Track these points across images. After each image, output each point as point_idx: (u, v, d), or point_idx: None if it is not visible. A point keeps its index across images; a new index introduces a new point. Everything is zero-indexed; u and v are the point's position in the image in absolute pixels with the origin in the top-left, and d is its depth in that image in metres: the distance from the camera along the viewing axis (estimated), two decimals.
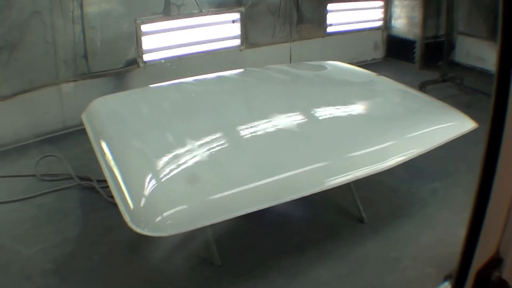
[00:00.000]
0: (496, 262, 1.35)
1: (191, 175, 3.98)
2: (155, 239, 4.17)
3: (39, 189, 5.76)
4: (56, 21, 6.97)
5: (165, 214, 3.59)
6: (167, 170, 3.95)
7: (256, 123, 4.79)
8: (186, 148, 4.25)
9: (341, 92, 5.84)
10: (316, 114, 5.12)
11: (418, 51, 10.42)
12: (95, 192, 5.71)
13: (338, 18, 10.30)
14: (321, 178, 4.10)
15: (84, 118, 5.20)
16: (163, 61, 8.17)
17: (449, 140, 4.74)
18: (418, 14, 10.30)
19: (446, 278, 1.57)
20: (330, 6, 10.05)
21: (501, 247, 1.34)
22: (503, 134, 1.24)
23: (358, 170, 4.22)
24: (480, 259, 1.36)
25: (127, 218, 3.57)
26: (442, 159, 6.14)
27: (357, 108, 5.44)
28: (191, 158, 4.11)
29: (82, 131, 5.22)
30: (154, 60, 8.09)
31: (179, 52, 8.31)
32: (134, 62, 7.87)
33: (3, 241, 4.91)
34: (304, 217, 5.14)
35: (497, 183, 1.29)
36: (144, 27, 7.85)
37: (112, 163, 4.16)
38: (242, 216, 3.78)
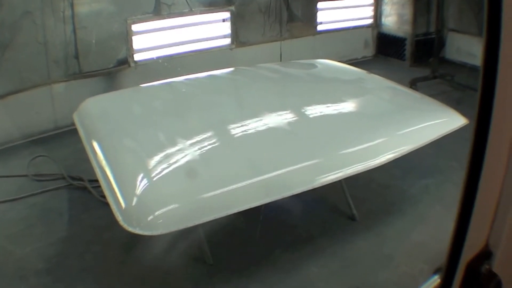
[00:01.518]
0: (485, 255, 1.35)
1: (183, 174, 3.99)
2: (147, 238, 4.19)
3: (31, 189, 5.75)
4: (47, 21, 6.97)
5: (157, 213, 3.59)
6: (158, 169, 3.95)
7: (247, 121, 4.79)
8: (177, 147, 4.26)
9: (332, 90, 5.84)
10: (307, 112, 5.13)
11: (408, 49, 10.44)
12: (87, 192, 5.71)
13: (328, 16, 10.31)
14: (312, 176, 4.10)
15: (75, 118, 5.19)
16: (160, 60, 8.17)
17: (440, 137, 4.75)
18: (408, 12, 10.33)
19: (436, 272, 1.58)
20: (320, 4, 10.06)
21: (490, 240, 1.35)
22: (490, 127, 1.26)
23: (349, 167, 4.22)
24: (469, 252, 1.37)
25: (119, 217, 3.57)
26: (434, 156, 6.15)
27: (348, 106, 5.46)
28: (183, 157, 4.11)
29: (74, 131, 5.20)
30: (145, 60, 8.09)
31: (170, 52, 8.31)
32: (125, 61, 7.87)
33: None
34: (296, 214, 5.15)
35: (484, 175, 1.30)
36: (135, 27, 7.85)
37: (103, 163, 4.16)
38: (234, 214, 3.79)
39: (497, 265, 1.35)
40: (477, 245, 1.36)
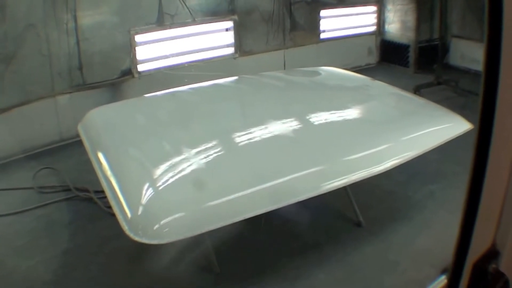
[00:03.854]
0: (492, 254, 1.35)
1: (188, 183, 3.99)
2: (153, 248, 4.18)
3: (37, 201, 5.76)
4: (50, 34, 6.99)
5: (162, 221, 3.58)
6: (164, 178, 3.95)
7: (251, 129, 4.79)
8: (182, 156, 4.25)
9: (336, 97, 5.84)
10: (311, 119, 5.12)
11: (412, 55, 10.44)
12: (92, 203, 5.71)
13: (331, 24, 10.32)
14: (318, 183, 4.09)
15: (80, 129, 5.20)
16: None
17: (445, 142, 4.74)
18: (411, 18, 10.33)
19: (442, 272, 1.58)
20: (323, 12, 10.07)
21: (497, 239, 1.35)
22: (493, 125, 1.26)
23: (354, 173, 4.21)
24: (476, 251, 1.36)
25: (125, 226, 3.56)
26: (438, 161, 6.15)
27: (352, 112, 5.45)
28: (188, 166, 4.11)
29: (79, 143, 5.22)
30: (149, 70, 8.10)
31: (174, 62, 8.31)
32: (129, 72, 7.88)
33: (3, 253, 4.90)
34: (302, 221, 5.14)
35: (489, 174, 1.30)
36: (138, 37, 7.86)
37: (109, 173, 4.16)
38: (240, 222, 3.78)
39: (504, 265, 1.35)
40: (483, 245, 1.36)
